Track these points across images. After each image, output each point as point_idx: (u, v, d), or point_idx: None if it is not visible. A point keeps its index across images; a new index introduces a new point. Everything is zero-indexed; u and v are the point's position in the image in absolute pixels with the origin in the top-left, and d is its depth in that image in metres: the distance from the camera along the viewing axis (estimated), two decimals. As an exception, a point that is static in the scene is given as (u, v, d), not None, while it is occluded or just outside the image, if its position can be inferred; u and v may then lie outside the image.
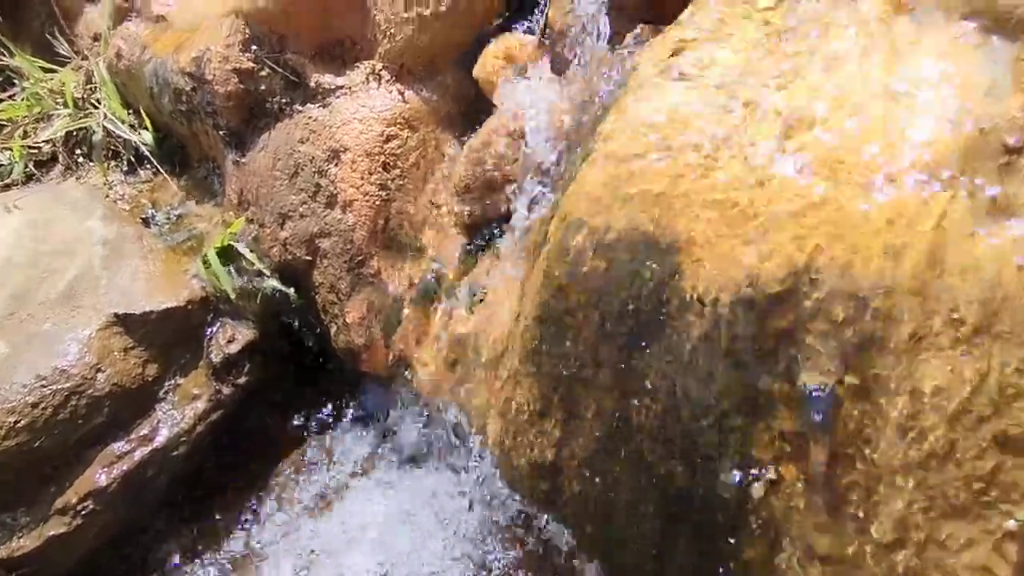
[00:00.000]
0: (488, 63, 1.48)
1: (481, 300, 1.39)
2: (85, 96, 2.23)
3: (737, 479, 0.79)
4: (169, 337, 1.53)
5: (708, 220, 0.83)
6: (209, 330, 1.58)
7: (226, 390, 1.55)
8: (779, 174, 0.81)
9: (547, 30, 1.46)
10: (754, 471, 0.78)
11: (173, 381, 1.52)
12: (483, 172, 1.37)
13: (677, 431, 0.85)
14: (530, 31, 1.49)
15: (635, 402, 0.89)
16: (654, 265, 0.86)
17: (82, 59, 2.27)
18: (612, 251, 0.91)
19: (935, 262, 0.69)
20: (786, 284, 0.75)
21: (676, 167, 0.88)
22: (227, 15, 1.66)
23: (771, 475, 0.78)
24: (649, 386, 0.87)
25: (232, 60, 1.62)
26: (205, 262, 1.63)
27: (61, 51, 2.29)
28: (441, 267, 1.47)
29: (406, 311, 1.46)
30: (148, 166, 2.09)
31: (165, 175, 2.04)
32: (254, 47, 1.62)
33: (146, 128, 2.09)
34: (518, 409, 1.05)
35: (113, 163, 2.17)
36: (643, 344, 0.88)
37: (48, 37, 2.28)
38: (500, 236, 1.39)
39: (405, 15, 1.45)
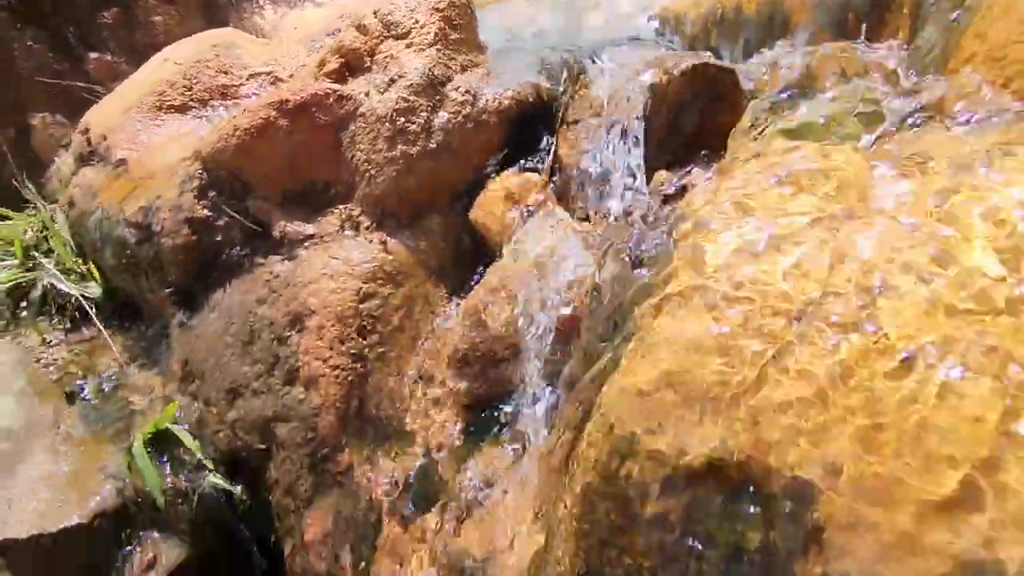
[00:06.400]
0: (488, 205, 1.23)
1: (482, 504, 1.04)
2: (38, 244, 2.01)
3: None
4: (63, 567, 1.14)
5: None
6: (123, 550, 1.19)
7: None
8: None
9: (556, 168, 1.23)
10: None
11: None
12: (483, 340, 1.07)
13: None
14: (534, 169, 1.26)
15: None
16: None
17: (46, 205, 2.09)
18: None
19: None
20: None
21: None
22: (187, 159, 1.44)
23: None
24: None
25: (185, 208, 1.38)
26: (130, 456, 1.28)
27: (29, 197, 2.11)
28: (434, 460, 1.12)
29: (385, 524, 1.09)
30: (93, 322, 1.81)
31: (107, 335, 1.75)
32: (212, 193, 1.37)
33: (95, 280, 1.83)
34: None
35: (58, 319, 1.90)
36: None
37: (15, 184, 2.10)
38: (508, 422, 1.07)
39: (388, 154, 1.22)
